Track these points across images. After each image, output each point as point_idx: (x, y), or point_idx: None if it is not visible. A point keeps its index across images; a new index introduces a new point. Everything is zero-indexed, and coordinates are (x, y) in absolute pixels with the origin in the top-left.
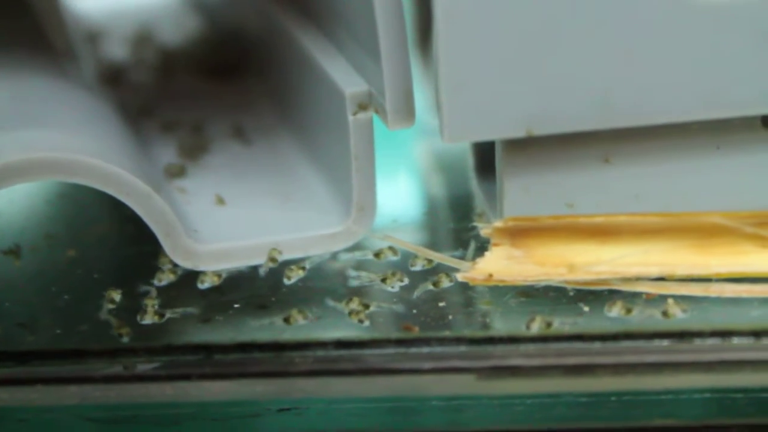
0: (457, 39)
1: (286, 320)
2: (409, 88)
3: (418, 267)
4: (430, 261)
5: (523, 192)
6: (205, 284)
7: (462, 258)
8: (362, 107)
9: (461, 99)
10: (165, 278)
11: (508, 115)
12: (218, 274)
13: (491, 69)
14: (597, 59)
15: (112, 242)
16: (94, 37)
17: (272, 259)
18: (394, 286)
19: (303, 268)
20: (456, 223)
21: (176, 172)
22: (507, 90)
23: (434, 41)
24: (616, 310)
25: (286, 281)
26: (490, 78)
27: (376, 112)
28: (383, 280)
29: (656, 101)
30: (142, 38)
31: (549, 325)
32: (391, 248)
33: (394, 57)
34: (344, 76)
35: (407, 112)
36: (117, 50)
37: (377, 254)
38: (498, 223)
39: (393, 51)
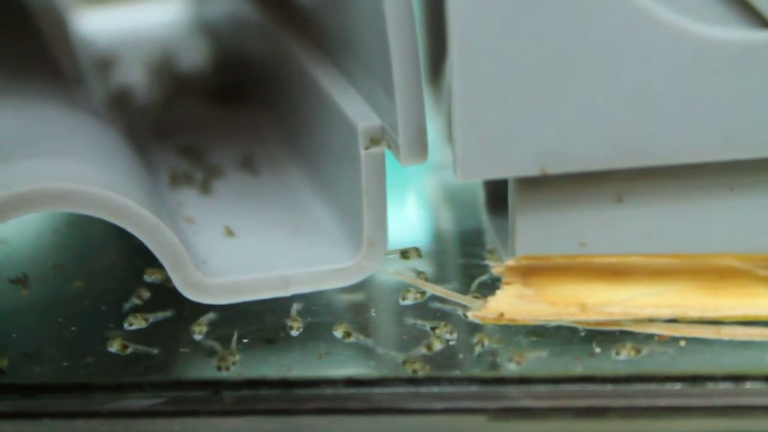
0: (472, 78)
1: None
2: (423, 124)
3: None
4: (442, 300)
5: (535, 230)
6: (195, 335)
7: (470, 294)
8: (374, 142)
9: (475, 137)
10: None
11: (522, 154)
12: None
13: (506, 107)
14: (611, 99)
15: (120, 273)
16: (102, 62)
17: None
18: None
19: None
20: (466, 259)
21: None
22: (521, 128)
23: (450, 79)
24: (625, 353)
25: (291, 332)
26: (505, 116)
27: (389, 147)
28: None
29: (669, 142)
30: (152, 64)
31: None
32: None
33: (408, 92)
34: (356, 110)
35: (420, 148)
36: (125, 76)
37: None
38: (510, 262)
39: (407, 86)
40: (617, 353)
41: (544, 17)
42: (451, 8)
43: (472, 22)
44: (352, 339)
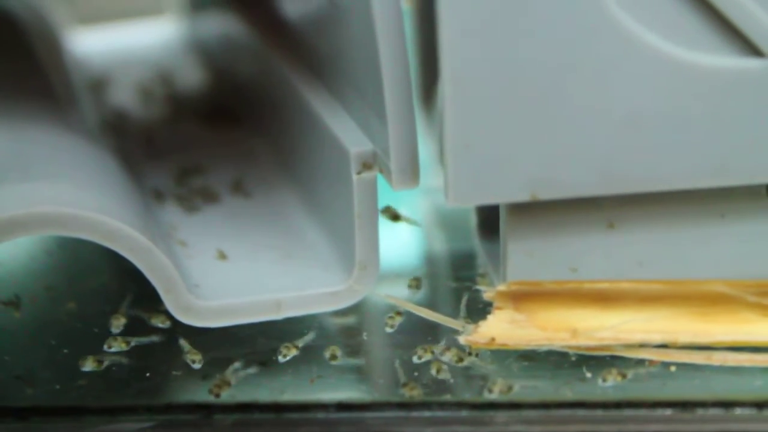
0: (463, 105)
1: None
2: (415, 149)
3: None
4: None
5: (526, 256)
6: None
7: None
8: (367, 167)
9: (466, 163)
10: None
11: (512, 180)
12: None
13: (497, 134)
14: (602, 126)
15: (112, 295)
16: (95, 83)
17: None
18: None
19: (296, 347)
20: (458, 283)
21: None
22: (512, 155)
23: (441, 108)
24: (611, 379)
25: (281, 359)
26: (496, 143)
27: (381, 171)
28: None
29: (660, 169)
30: (145, 85)
31: (510, 389)
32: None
33: (400, 118)
34: (349, 134)
35: (412, 173)
36: (118, 97)
37: None
38: (501, 287)
39: (399, 112)
40: (604, 380)
41: (536, 45)
42: (443, 36)
43: (464, 50)
44: (338, 361)
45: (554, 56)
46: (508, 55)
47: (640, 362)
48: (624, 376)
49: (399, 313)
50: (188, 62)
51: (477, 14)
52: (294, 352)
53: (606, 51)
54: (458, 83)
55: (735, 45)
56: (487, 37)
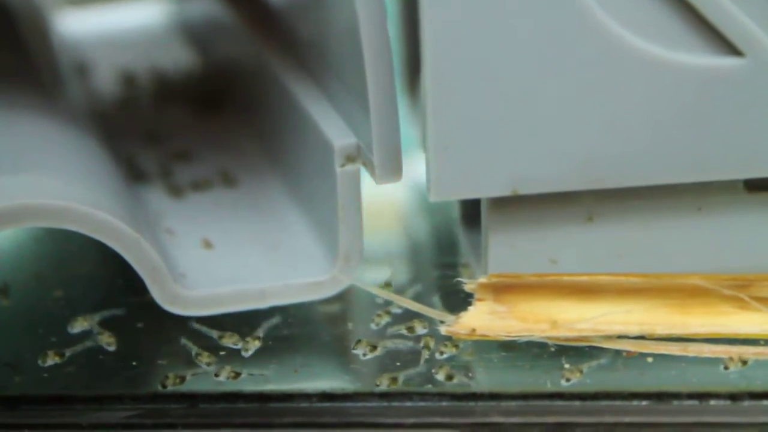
0: (445, 102)
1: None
2: (398, 144)
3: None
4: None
5: (507, 248)
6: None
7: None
8: (350, 159)
9: (448, 159)
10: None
11: (494, 176)
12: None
13: (478, 131)
14: (581, 123)
15: (99, 282)
16: (82, 66)
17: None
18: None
19: (258, 338)
20: (440, 272)
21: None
22: (493, 151)
23: (424, 105)
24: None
25: (243, 353)
26: (477, 139)
27: (364, 165)
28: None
29: (639, 165)
30: (132, 68)
31: (394, 381)
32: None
33: (383, 113)
34: (333, 127)
35: (395, 168)
36: (106, 81)
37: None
38: (482, 279)
39: (383, 107)
40: (567, 380)
41: (517, 44)
42: (425, 35)
43: (446, 48)
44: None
45: (535, 56)
46: (489, 53)
47: (618, 353)
48: (581, 372)
49: (387, 312)
50: (175, 46)
51: (458, 13)
52: (257, 344)
53: (586, 49)
54: (440, 82)
55: (714, 45)
56: (469, 37)
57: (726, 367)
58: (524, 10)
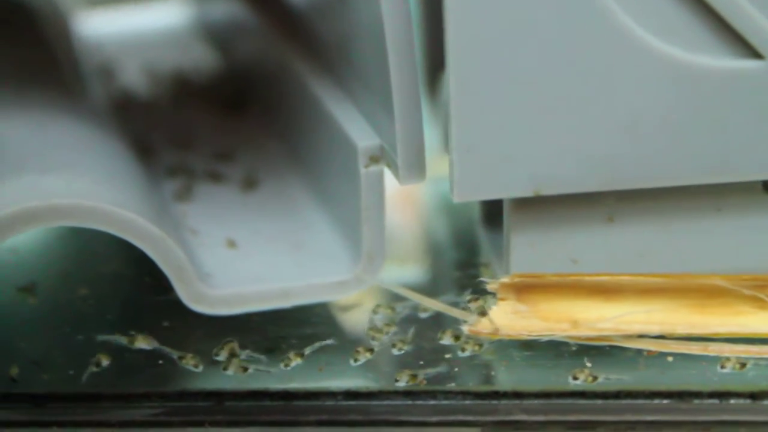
0: (469, 103)
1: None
2: (421, 145)
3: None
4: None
5: (529, 248)
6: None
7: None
8: (374, 160)
9: (472, 160)
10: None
11: (516, 176)
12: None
13: (501, 132)
14: (603, 124)
15: (125, 281)
16: (106, 67)
17: None
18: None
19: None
20: (462, 271)
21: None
22: (516, 153)
23: (447, 107)
24: (582, 377)
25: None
26: (500, 141)
27: (388, 165)
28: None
29: (660, 166)
30: (155, 70)
31: (414, 377)
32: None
33: (407, 114)
34: (357, 128)
35: (418, 168)
36: (128, 81)
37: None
38: (504, 279)
39: (406, 109)
40: (575, 378)
41: (540, 45)
42: (450, 37)
43: (470, 51)
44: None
45: (557, 57)
46: (512, 55)
47: (639, 352)
48: (595, 378)
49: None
50: (197, 47)
51: (482, 17)
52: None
53: (607, 51)
54: (464, 82)
55: (734, 47)
56: (492, 38)
57: (743, 365)
58: (546, 12)
